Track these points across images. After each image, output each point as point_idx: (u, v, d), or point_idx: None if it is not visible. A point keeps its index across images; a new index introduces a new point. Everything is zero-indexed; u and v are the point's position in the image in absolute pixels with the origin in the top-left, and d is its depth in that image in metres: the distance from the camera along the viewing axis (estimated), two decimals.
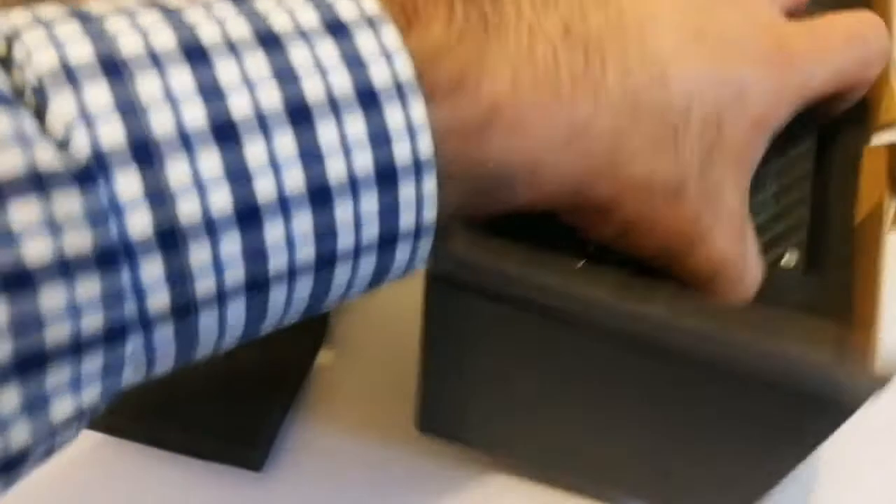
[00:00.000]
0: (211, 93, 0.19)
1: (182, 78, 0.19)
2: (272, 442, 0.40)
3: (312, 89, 0.20)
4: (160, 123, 0.18)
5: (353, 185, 0.21)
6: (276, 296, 0.21)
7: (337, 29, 0.21)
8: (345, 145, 0.20)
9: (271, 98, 0.20)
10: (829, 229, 0.30)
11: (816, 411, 0.26)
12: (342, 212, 0.21)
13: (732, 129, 0.26)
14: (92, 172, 0.18)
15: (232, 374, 0.41)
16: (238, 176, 0.19)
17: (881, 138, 0.31)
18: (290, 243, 0.20)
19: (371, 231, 0.21)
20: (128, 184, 0.18)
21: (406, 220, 0.22)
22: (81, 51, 0.18)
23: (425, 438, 0.40)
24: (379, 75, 0.21)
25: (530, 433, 0.36)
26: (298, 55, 0.20)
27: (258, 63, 0.20)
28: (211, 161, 0.19)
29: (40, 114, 0.18)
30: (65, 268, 0.17)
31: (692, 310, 0.26)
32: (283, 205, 0.20)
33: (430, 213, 0.22)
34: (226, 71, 0.19)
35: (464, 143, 0.22)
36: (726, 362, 0.26)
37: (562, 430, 0.35)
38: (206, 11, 0.20)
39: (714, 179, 0.26)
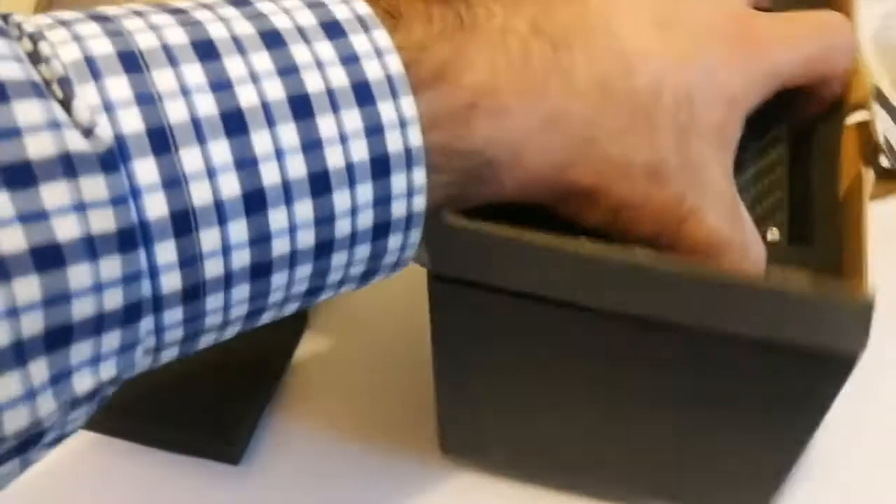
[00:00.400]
0: (221, 85, 0.20)
1: (194, 71, 0.20)
2: (250, 436, 0.40)
3: (312, 83, 0.21)
4: (175, 113, 0.20)
5: (350, 173, 0.22)
6: (278, 281, 0.22)
7: (333, 28, 0.22)
8: (342, 136, 0.22)
9: (275, 91, 0.21)
10: (812, 205, 0.31)
11: (818, 365, 0.27)
12: (340, 199, 0.22)
13: (705, 110, 0.27)
14: (115, 157, 0.19)
15: (209, 369, 0.41)
16: (245, 163, 0.20)
17: (853, 117, 0.32)
18: (292, 228, 0.21)
19: (366, 218, 0.23)
20: (146, 169, 0.19)
21: (398, 208, 0.23)
22: (102, 46, 0.20)
23: (403, 431, 0.41)
24: (372, 71, 0.22)
25: (548, 437, 0.36)
26: (299, 52, 0.21)
27: (262, 59, 0.21)
28: (221, 149, 0.20)
29: (66, 103, 0.19)
30: (91, 247, 0.19)
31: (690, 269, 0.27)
32: (287, 191, 0.21)
33: (420, 202, 0.23)
34: (233, 65, 0.21)
35: (449, 132, 0.24)
36: (726, 321, 0.27)
37: (580, 431, 0.35)
38: (212, 12, 0.22)
39: (694, 159, 0.27)
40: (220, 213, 0.20)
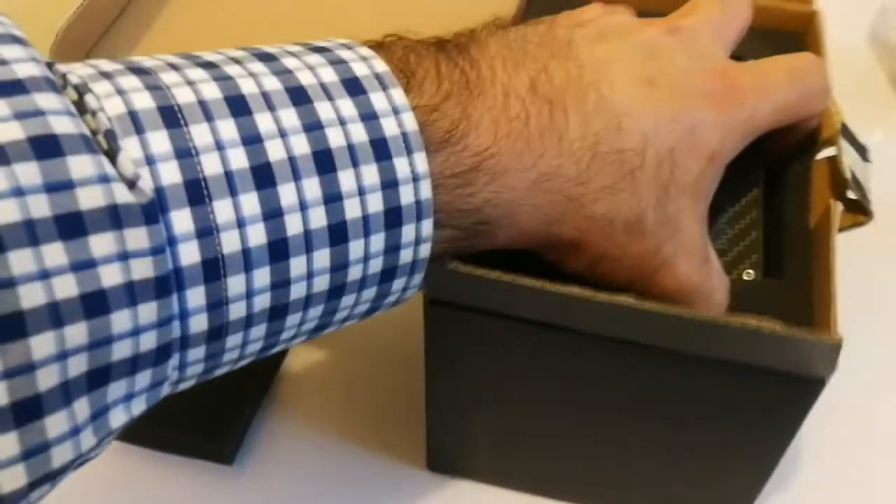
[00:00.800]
0: (251, 140, 0.21)
1: (228, 127, 0.21)
2: (243, 436, 0.41)
3: (335, 139, 0.23)
4: (210, 166, 0.21)
5: (366, 224, 0.23)
6: (292, 321, 0.24)
7: (353, 85, 0.23)
8: (360, 189, 0.23)
9: (301, 146, 0.22)
10: (785, 239, 0.32)
11: (789, 385, 0.29)
12: (355, 248, 0.23)
13: (686, 165, 0.28)
14: (155, 209, 0.20)
15: None
16: (272, 214, 0.22)
17: (823, 153, 0.34)
18: (309, 275, 0.23)
19: (376, 265, 0.24)
20: (182, 219, 0.20)
21: (405, 255, 0.24)
22: (144, 101, 0.21)
23: (395, 433, 0.41)
24: (389, 128, 0.23)
25: (534, 457, 0.38)
26: (323, 109, 0.23)
27: (290, 115, 0.22)
28: (250, 201, 0.21)
29: (112, 156, 0.20)
30: (132, 293, 0.20)
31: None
32: (307, 241, 0.22)
33: (425, 249, 0.25)
34: (263, 121, 0.22)
35: (453, 191, 0.25)
36: (707, 348, 0.28)
37: (567, 451, 0.36)
38: (242, 67, 0.23)
39: (671, 212, 0.28)
40: (247, 260, 0.21)
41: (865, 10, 0.63)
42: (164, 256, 0.20)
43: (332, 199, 0.22)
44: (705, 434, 0.33)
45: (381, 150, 0.23)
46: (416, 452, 0.41)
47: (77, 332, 0.19)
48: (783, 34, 0.38)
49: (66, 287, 0.18)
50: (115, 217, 0.19)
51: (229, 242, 0.21)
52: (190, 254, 0.20)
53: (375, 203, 0.23)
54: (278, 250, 0.22)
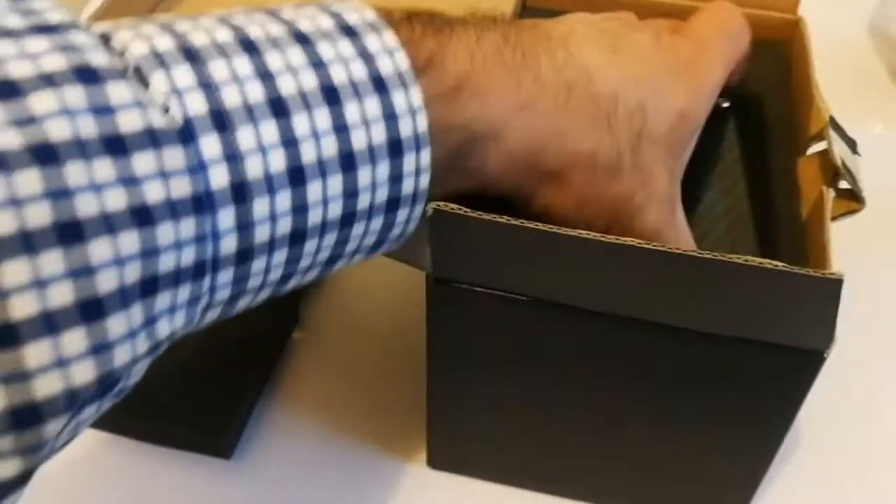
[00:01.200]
0: (265, 75, 0.23)
1: (243, 63, 0.23)
2: (241, 430, 0.41)
3: (339, 75, 0.25)
4: (230, 98, 0.23)
5: (371, 153, 0.25)
6: (309, 247, 0.25)
7: (349, 31, 0.26)
8: (365, 121, 0.25)
9: (309, 81, 0.24)
10: (778, 229, 0.33)
11: (793, 358, 0.29)
12: (363, 176, 0.25)
13: (656, 119, 0.31)
14: (186, 133, 0.22)
15: (200, 362, 0.42)
16: (289, 142, 0.23)
17: (814, 147, 0.35)
18: (325, 201, 0.25)
19: (382, 193, 0.26)
20: (210, 145, 0.22)
21: (407, 185, 0.26)
22: (165, 43, 0.23)
23: (394, 426, 0.42)
24: (385, 66, 0.25)
25: (539, 447, 0.38)
26: (325, 49, 0.25)
27: (296, 54, 0.24)
28: (269, 129, 0.23)
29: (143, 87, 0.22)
30: (173, 209, 0.21)
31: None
32: (321, 167, 0.24)
33: (425, 180, 0.27)
34: (273, 59, 0.24)
35: (440, 110, 0.27)
36: (708, 307, 0.29)
37: (572, 438, 0.37)
38: (247, 17, 0.25)
39: (645, 160, 0.31)
40: (270, 185, 0.23)
41: (865, 1, 0.63)
42: (198, 176, 0.22)
43: (341, 129, 0.24)
44: (708, 412, 0.33)
45: (380, 85, 0.25)
46: (417, 449, 0.41)
47: (129, 241, 0.20)
48: (769, 42, 0.39)
49: (117, 199, 0.20)
50: (153, 138, 0.21)
51: (253, 168, 0.23)
52: (219, 177, 0.22)
53: (379, 134, 0.25)
54: (296, 176, 0.24)
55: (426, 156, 0.26)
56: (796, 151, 0.35)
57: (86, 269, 0.20)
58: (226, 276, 0.24)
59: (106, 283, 0.20)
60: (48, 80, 0.20)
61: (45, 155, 0.19)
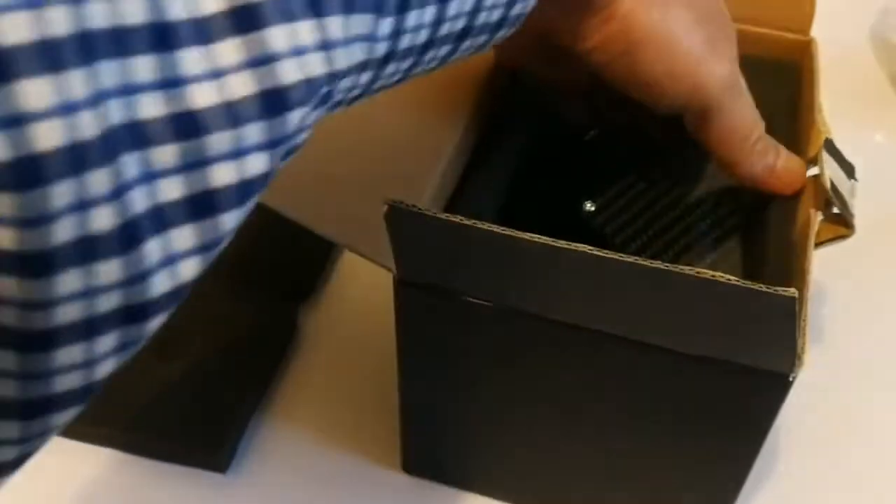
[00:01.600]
0: None
1: None
2: (237, 444, 0.41)
3: None
4: None
5: None
6: (451, 9, 0.25)
7: None
8: None
9: None
10: (766, 249, 0.33)
11: (758, 380, 0.29)
12: None
13: (722, 30, 0.33)
14: None
15: (196, 376, 0.42)
16: None
17: (811, 171, 0.34)
18: None
19: None
20: None
21: None
22: None
23: (391, 439, 0.41)
24: None
25: (508, 454, 0.38)
26: None
27: None
28: None
29: None
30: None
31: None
32: None
33: None
34: None
35: None
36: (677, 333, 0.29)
37: (541, 447, 0.36)
38: None
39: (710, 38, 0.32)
40: None
41: (866, 10, 0.62)
42: None
43: None
44: (675, 432, 0.33)
45: None
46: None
47: None
48: (780, 63, 0.40)
49: None
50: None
51: None
52: None
53: None
54: None
55: None
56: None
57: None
58: (387, 25, 0.23)
59: None
60: None
61: None
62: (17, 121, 0.16)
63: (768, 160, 0.34)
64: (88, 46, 0.17)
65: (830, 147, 0.34)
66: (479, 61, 0.37)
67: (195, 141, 0.19)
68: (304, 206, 0.33)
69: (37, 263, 0.18)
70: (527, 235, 0.28)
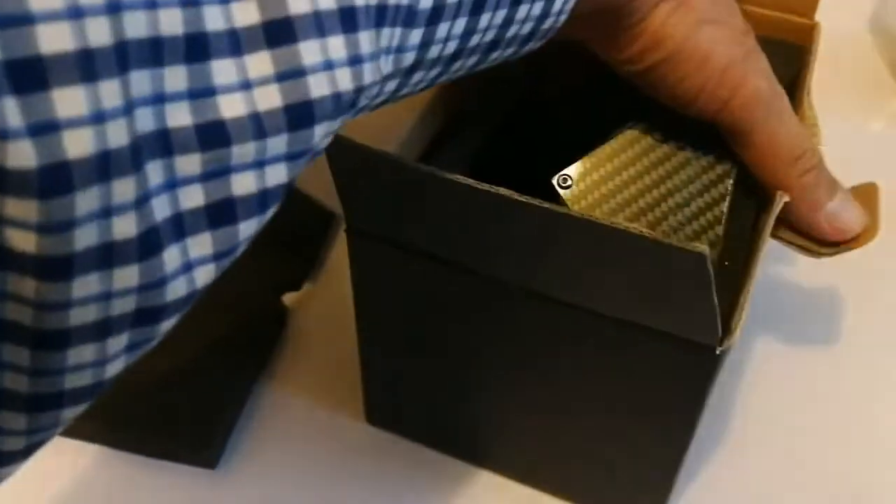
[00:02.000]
0: None
1: None
2: (227, 439, 0.41)
3: None
4: None
5: None
6: (483, 21, 0.26)
7: None
8: None
9: None
10: (741, 236, 0.33)
11: (685, 351, 0.29)
12: None
13: (757, 48, 0.32)
14: None
15: (184, 371, 0.41)
16: None
17: None
18: None
19: None
20: None
21: None
22: None
23: (385, 434, 0.41)
24: None
25: (457, 409, 0.38)
26: None
27: None
28: None
29: None
30: None
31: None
32: None
33: None
34: None
35: None
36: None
37: (483, 403, 0.37)
38: None
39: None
40: None
41: None
42: None
43: None
44: (612, 401, 0.33)
45: None
46: (408, 454, 0.40)
47: None
48: (784, 44, 0.39)
49: None
50: None
51: None
52: None
53: None
54: None
55: None
56: None
57: None
58: (416, 36, 0.24)
59: None
60: None
61: None
62: (48, 128, 0.16)
63: (818, 196, 0.32)
64: (124, 56, 0.18)
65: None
66: None
67: (220, 151, 0.20)
68: None
69: (55, 267, 0.18)
70: (457, 177, 0.27)
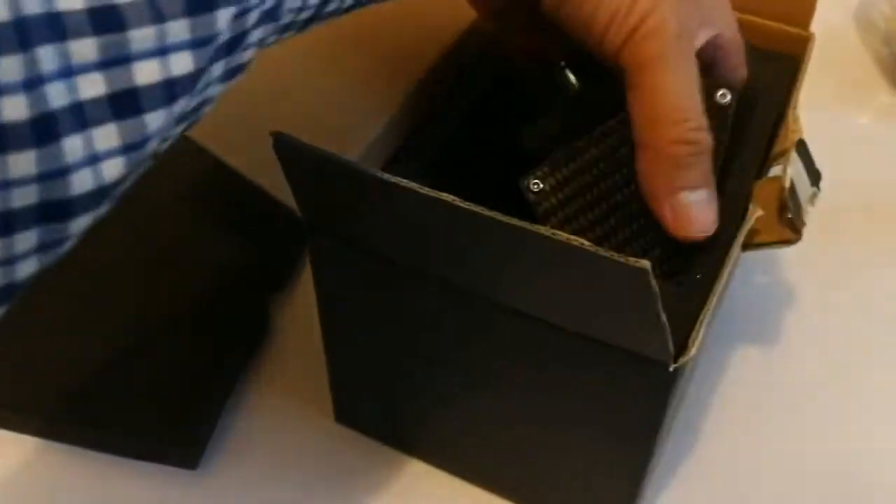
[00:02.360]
0: None
1: None
2: (208, 439, 0.40)
3: None
4: None
5: None
6: None
7: None
8: None
9: None
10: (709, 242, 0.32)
11: (639, 367, 0.29)
12: None
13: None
14: None
15: (165, 371, 0.41)
16: None
17: (774, 170, 0.33)
18: None
19: None
20: None
21: None
22: None
23: (366, 434, 0.40)
24: None
25: (421, 412, 0.38)
26: None
27: None
28: None
29: None
30: None
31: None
32: None
33: None
34: None
35: None
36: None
37: (445, 407, 0.37)
38: None
39: None
40: None
41: None
42: None
43: None
44: (569, 414, 0.33)
45: None
46: (389, 453, 0.40)
47: None
48: (777, 55, 0.39)
49: None
50: None
51: None
52: None
53: None
54: None
55: None
56: (759, 169, 0.34)
57: None
58: None
59: None
60: None
61: None
62: None
63: (679, 177, 0.30)
64: None
65: (802, 149, 0.33)
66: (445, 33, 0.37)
67: (116, 36, 0.19)
68: (236, 150, 0.34)
69: None
70: (401, 181, 0.27)
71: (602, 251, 0.25)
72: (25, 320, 0.43)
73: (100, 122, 0.20)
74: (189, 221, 0.46)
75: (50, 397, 0.40)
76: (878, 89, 0.59)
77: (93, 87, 0.19)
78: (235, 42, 0.21)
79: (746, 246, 0.32)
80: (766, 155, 0.34)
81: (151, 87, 0.20)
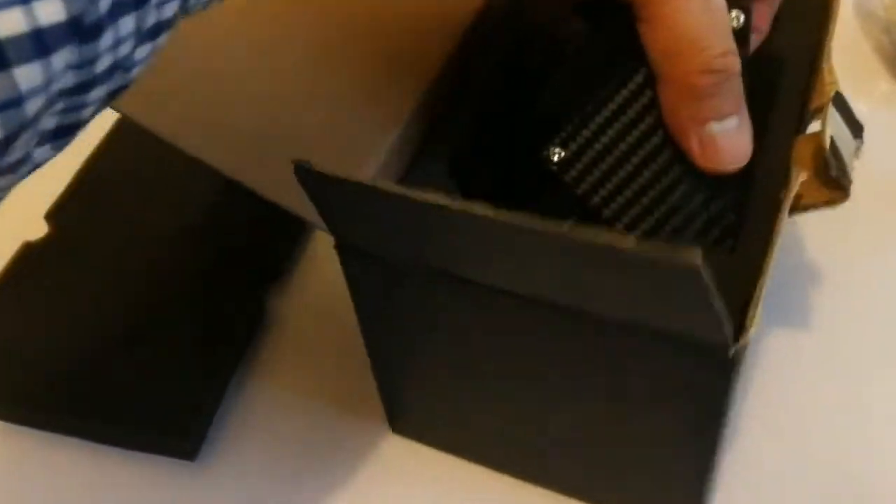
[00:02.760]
0: None
1: None
2: (206, 429, 0.40)
3: None
4: None
5: None
6: None
7: None
8: None
9: None
10: (753, 208, 0.30)
11: (697, 355, 0.27)
12: None
13: None
14: None
15: (163, 362, 0.41)
16: None
17: (812, 126, 0.31)
18: None
19: None
20: None
21: None
22: None
23: (366, 421, 0.40)
24: None
25: (478, 418, 0.37)
26: None
27: None
28: None
29: None
30: None
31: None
32: None
33: None
34: None
35: None
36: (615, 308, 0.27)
37: (503, 413, 0.35)
38: None
39: None
40: None
41: None
42: None
43: None
44: (629, 413, 0.31)
45: None
46: (389, 442, 0.40)
47: None
48: (805, 6, 0.36)
49: None
50: None
51: None
52: None
53: None
54: None
55: None
56: (797, 128, 0.32)
57: None
58: None
59: None
60: None
61: None
62: None
63: (707, 107, 0.27)
64: None
65: (839, 101, 0.30)
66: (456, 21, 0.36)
67: None
68: (251, 169, 0.33)
69: None
70: (427, 196, 0.25)
71: (646, 246, 0.23)
72: (23, 312, 0.43)
73: None
74: (186, 213, 0.46)
75: (48, 389, 0.40)
76: (878, 78, 0.58)
77: None
78: None
79: (792, 210, 0.30)
80: (801, 112, 0.32)
81: (18, 39, 0.18)
